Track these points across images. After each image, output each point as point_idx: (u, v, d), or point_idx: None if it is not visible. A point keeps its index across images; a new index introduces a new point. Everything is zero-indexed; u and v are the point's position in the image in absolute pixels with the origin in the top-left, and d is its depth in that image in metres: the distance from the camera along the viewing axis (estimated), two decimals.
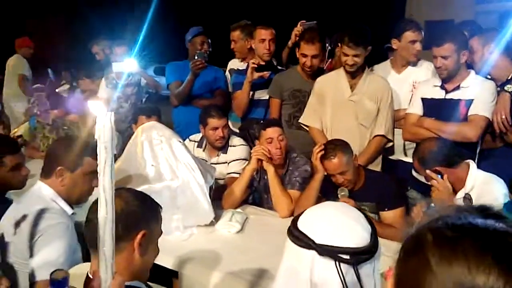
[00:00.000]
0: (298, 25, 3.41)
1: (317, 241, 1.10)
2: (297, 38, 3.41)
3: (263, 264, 2.08)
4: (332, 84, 3.00)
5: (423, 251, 0.62)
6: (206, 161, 3.06)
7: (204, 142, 3.20)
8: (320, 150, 2.49)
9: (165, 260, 2.09)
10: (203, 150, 3.20)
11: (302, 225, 1.17)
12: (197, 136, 3.26)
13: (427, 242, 0.63)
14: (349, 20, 3.58)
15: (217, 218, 2.52)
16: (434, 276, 0.59)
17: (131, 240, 1.36)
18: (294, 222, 1.20)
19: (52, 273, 0.84)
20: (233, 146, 3.15)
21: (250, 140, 3.36)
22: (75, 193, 1.99)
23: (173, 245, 2.24)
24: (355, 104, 2.93)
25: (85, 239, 1.39)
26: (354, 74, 2.92)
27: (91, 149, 2.06)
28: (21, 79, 6.28)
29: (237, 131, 3.60)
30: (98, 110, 0.86)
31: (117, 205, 1.38)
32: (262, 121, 3.07)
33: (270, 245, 2.30)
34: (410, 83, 3.03)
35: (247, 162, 3.01)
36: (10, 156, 2.13)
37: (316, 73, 3.19)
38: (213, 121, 3.03)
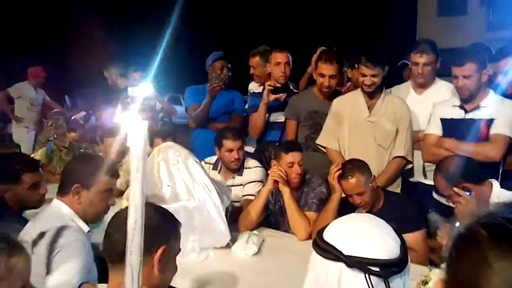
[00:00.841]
0: (318, 52, 3.43)
1: (345, 253, 1.06)
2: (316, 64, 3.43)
3: (282, 287, 2.02)
4: (349, 105, 2.98)
5: (480, 247, 0.60)
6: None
7: (220, 164, 3.19)
8: (338, 170, 2.46)
9: (181, 283, 2.04)
10: (219, 172, 3.18)
11: (328, 236, 1.12)
12: (212, 159, 3.25)
13: (483, 238, 0.60)
14: (363, 44, 3.60)
15: (233, 240, 2.47)
16: (494, 271, 0.57)
17: (151, 255, 1.33)
18: (320, 234, 1.16)
19: (80, 285, 0.81)
20: (249, 168, 3.13)
21: (265, 162, 3.34)
22: (91, 211, 1.97)
23: (189, 267, 2.18)
24: (373, 125, 2.90)
25: (104, 254, 1.37)
26: (372, 94, 2.91)
27: (107, 167, 2.07)
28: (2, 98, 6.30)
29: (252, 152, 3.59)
30: (131, 118, 0.85)
31: None
32: (282, 143, 3.04)
33: (287, 267, 2.25)
34: (431, 105, 3.00)
35: (263, 184, 2.99)
36: (30, 174, 2.13)
37: (333, 95, 3.18)
38: (228, 143, 3.02)
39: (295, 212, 2.60)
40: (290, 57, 3.51)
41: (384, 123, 2.87)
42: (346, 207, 2.51)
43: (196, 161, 2.52)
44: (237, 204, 3.02)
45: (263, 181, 3.02)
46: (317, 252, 1.13)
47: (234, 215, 2.76)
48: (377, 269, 1.03)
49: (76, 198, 1.92)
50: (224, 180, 3.12)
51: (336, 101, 3.07)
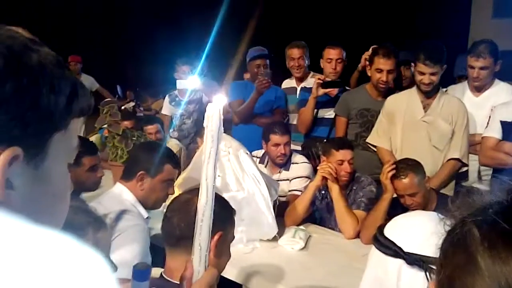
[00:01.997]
0: (370, 50, 3.37)
1: (405, 250, 1.04)
2: (366, 61, 3.38)
3: (329, 283, 2.02)
4: (404, 104, 2.90)
5: (470, 250, 0.53)
6: None
7: (266, 158, 3.20)
8: (391, 169, 2.41)
9: (229, 271, 2.07)
10: (265, 166, 3.19)
11: (389, 232, 1.11)
12: (259, 152, 3.27)
13: (474, 239, 0.53)
14: (413, 42, 3.50)
15: (279, 233, 2.48)
16: (483, 276, 0.51)
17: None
18: (380, 229, 1.14)
19: (135, 265, 0.84)
20: (296, 163, 3.12)
21: (312, 158, 3.33)
22: (152, 199, 2.04)
23: (236, 257, 2.19)
24: (428, 125, 2.81)
25: (162, 237, 1.41)
26: (429, 93, 2.82)
27: (172, 158, 2.15)
28: None
29: (299, 148, 3.58)
30: (212, 100, 0.87)
31: (196, 203, 1.39)
32: (333, 140, 3.00)
33: (334, 265, 2.24)
34: (488, 108, 2.88)
35: (309, 180, 2.97)
36: (89, 157, 2.21)
37: (386, 92, 3.12)
38: (276, 138, 3.03)
39: (344, 210, 2.57)
40: (344, 54, 3.47)
41: (440, 123, 2.78)
42: (396, 207, 2.46)
43: (247, 153, 2.54)
44: (282, 199, 3.02)
45: (310, 177, 3.01)
46: (376, 247, 1.11)
47: (279, 210, 2.76)
48: None
49: (139, 184, 1.98)
50: (270, 174, 3.13)
51: (390, 100, 3.00)
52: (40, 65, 0.48)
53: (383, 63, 3.01)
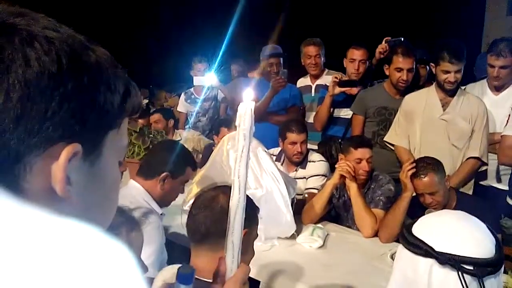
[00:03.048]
0: (383, 42, 3.36)
1: (437, 249, 1.03)
2: (381, 55, 3.36)
3: (349, 282, 2.01)
4: (422, 102, 2.88)
5: None
6: None
7: (283, 156, 3.19)
8: (411, 168, 2.39)
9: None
10: (281, 164, 3.18)
11: (418, 231, 1.10)
12: (275, 150, 3.26)
13: None
14: (428, 40, 3.47)
15: (297, 232, 2.48)
16: None
17: None
18: (408, 228, 1.13)
19: (179, 267, 0.84)
20: (312, 161, 3.11)
21: (327, 156, 3.32)
22: (168, 198, 2.08)
23: (255, 254, 2.21)
24: (447, 123, 2.79)
25: (188, 234, 1.41)
26: (451, 92, 2.80)
27: (192, 160, 2.18)
28: None
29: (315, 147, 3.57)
30: (244, 98, 0.87)
31: (222, 201, 1.39)
32: (352, 138, 2.98)
33: (353, 264, 2.23)
34: (508, 106, 2.85)
35: (326, 178, 2.97)
36: None
37: (404, 91, 3.10)
38: (292, 136, 3.02)
39: (362, 208, 2.55)
40: (367, 54, 3.45)
41: (459, 122, 2.76)
42: (414, 206, 2.44)
43: (265, 151, 2.54)
44: (299, 197, 3.01)
45: (326, 175, 3.00)
46: (405, 247, 1.10)
47: (296, 208, 2.76)
48: (471, 267, 1.00)
49: (160, 184, 2.00)
50: (287, 172, 3.13)
51: (408, 98, 2.97)
52: (97, 64, 0.49)
53: (403, 62, 2.99)
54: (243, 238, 1.32)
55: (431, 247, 1.04)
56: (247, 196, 1.45)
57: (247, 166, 0.88)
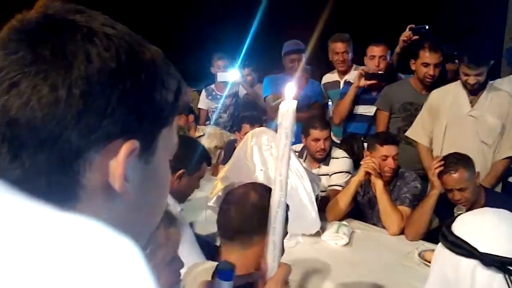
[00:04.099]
0: (407, 30, 3.29)
1: (481, 250, 0.99)
2: (405, 43, 3.30)
3: (378, 280, 1.99)
4: (449, 98, 2.82)
5: None
6: None
7: (305, 153, 3.16)
8: (439, 166, 2.34)
9: None
10: (304, 161, 3.15)
11: (460, 231, 1.06)
12: (298, 146, 3.24)
13: None
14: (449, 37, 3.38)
15: (321, 229, 2.46)
16: None
17: (264, 235, 1.34)
18: (448, 227, 1.10)
19: (219, 263, 0.83)
20: (336, 158, 3.08)
21: (350, 154, 3.27)
22: (184, 194, 2.09)
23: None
24: (475, 120, 2.72)
25: (218, 229, 1.40)
26: (473, 90, 2.73)
27: (207, 156, 2.19)
28: None
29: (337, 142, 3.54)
30: (287, 94, 0.85)
31: (253, 198, 1.38)
32: (378, 135, 2.93)
33: (381, 261, 2.20)
34: None
35: (349, 175, 2.93)
36: None
37: (431, 85, 3.04)
38: (315, 132, 2.99)
39: (388, 205, 2.51)
40: (387, 50, 3.39)
41: (488, 118, 2.69)
42: (440, 204, 2.40)
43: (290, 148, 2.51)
44: (322, 194, 2.98)
45: (350, 172, 2.97)
46: (446, 246, 1.07)
47: (319, 205, 2.73)
48: None
49: (177, 181, 2.00)
50: (309, 169, 3.10)
51: (434, 94, 2.91)
52: (153, 61, 0.49)
53: (429, 57, 2.94)
54: None
55: (474, 248, 1.00)
56: None
57: (288, 164, 0.85)
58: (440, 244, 1.10)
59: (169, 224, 1.14)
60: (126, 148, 0.45)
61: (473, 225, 1.06)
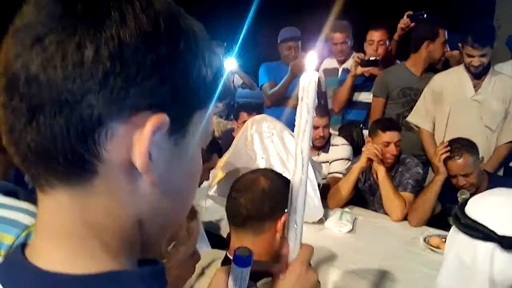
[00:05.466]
0: (405, 17, 3.26)
1: (499, 232, 0.97)
2: (403, 31, 3.26)
3: (384, 267, 1.97)
4: (452, 82, 2.78)
5: None
6: None
7: None
8: (445, 151, 2.32)
9: None
10: None
11: (474, 213, 1.03)
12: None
13: None
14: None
15: (324, 216, 2.44)
16: None
17: (275, 221, 1.31)
18: (462, 210, 1.07)
19: (236, 249, 0.79)
20: (335, 145, 3.05)
21: (349, 141, 3.25)
22: None
23: None
24: (479, 104, 2.70)
25: (228, 217, 1.37)
26: (477, 73, 2.70)
27: (218, 147, 2.15)
28: None
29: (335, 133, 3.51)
30: (307, 68, 0.80)
31: (263, 183, 1.35)
32: (380, 121, 2.89)
33: (386, 247, 2.19)
34: None
35: (349, 162, 2.91)
36: None
37: (428, 69, 3.00)
38: (315, 120, 2.95)
39: (391, 191, 2.50)
40: (387, 35, 3.34)
41: (492, 103, 2.66)
42: (444, 189, 2.38)
43: (291, 134, 2.48)
44: (322, 181, 2.96)
45: (350, 159, 2.94)
46: (461, 230, 1.04)
47: (320, 192, 2.71)
48: None
49: None
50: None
51: (437, 78, 2.87)
52: (194, 33, 0.44)
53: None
54: (286, 221, 1.29)
55: (492, 230, 0.98)
56: (287, 179, 1.42)
57: (310, 142, 0.81)
58: (453, 228, 1.07)
59: (191, 218, 1.10)
60: (154, 121, 0.40)
61: (489, 207, 1.03)
